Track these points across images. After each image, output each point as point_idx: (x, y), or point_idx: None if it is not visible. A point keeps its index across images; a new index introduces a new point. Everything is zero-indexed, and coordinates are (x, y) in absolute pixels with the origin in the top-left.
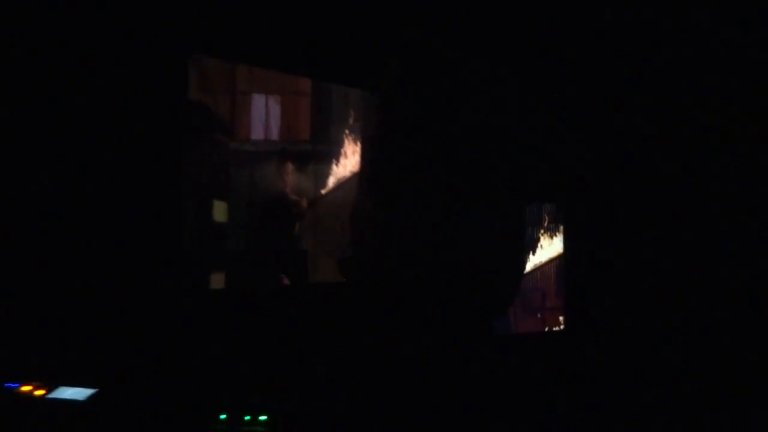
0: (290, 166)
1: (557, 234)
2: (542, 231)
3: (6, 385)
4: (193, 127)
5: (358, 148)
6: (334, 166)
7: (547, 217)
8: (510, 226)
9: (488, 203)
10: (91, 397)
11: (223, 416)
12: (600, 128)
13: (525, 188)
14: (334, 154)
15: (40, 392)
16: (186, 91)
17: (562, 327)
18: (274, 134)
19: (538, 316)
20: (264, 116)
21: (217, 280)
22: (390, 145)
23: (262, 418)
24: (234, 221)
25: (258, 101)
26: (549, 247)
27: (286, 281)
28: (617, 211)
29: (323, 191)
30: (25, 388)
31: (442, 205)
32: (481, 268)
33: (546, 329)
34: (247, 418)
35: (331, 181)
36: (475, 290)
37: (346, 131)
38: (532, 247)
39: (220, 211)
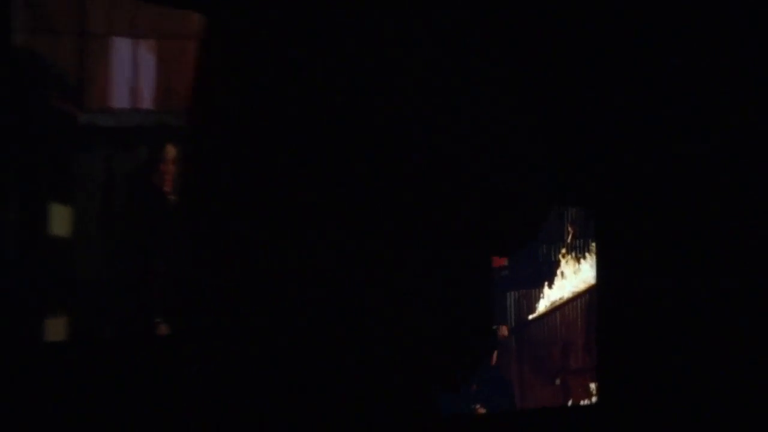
0: (172, 151)
1: (587, 255)
2: (563, 251)
3: None
4: (20, 88)
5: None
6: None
7: (570, 230)
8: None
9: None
10: None
11: None
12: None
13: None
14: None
15: None
16: (8, 32)
17: (593, 398)
18: (147, 101)
19: (557, 382)
20: (131, 73)
21: (56, 327)
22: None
23: None
24: (82, 235)
25: (121, 49)
26: (573, 277)
27: (164, 329)
28: (676, 223)
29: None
30: None
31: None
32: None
33: (568, 402)
34: None
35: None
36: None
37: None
38: (548, 276)
39: (59, 219)
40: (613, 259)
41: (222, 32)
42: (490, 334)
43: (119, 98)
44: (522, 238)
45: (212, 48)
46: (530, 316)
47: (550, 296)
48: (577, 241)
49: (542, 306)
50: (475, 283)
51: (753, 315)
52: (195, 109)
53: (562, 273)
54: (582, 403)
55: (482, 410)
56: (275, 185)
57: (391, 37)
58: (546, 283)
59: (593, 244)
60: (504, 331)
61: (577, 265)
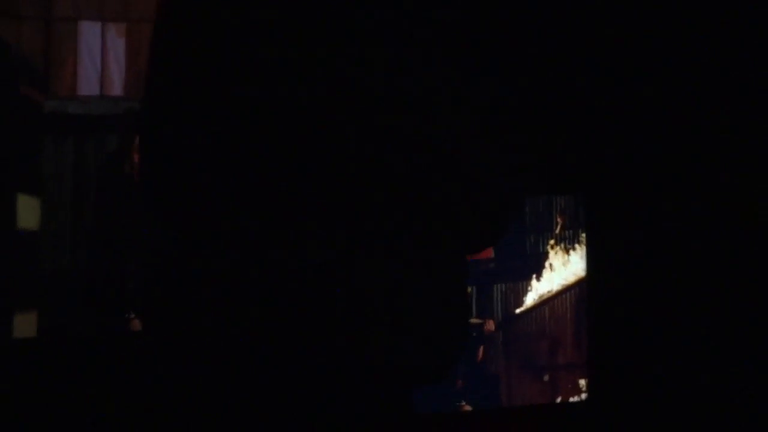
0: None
1: (577, 246)
2: (551, 242)
3: None
4: None
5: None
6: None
7: (559, 221)
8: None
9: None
10: None
11: None
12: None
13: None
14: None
15: None
16: None
17: (582, 395)
18: (117, 87)
19: (545, 378)
20: (100, 58)
21: (26, 324)
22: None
23: None
24: (51, 227)
25: (89, 33)
26: (563, 269)
27: (137, 324)
28: (674, 208)
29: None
30: None
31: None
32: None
33: (557, 398)
34: None
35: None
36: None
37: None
38: (536, 269)
39: (28, 211)
40: (604, 249)
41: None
42: (467, 326)
43: (87, 85)
44: (495, 231)
45: (165, 29)
46: (518, 310)
47: (538, 289)
48: (567, 232)
49: (530, 299)
50: (451, 274)
51: (751, 310)
52: (149, 93)
53: (551, 265)
54: (571, 399)
55: (468, 407)
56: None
57: (353, 25)
58: (534, 276)
59: (583, 235)
60: (490, 325)
61: (566, 256)
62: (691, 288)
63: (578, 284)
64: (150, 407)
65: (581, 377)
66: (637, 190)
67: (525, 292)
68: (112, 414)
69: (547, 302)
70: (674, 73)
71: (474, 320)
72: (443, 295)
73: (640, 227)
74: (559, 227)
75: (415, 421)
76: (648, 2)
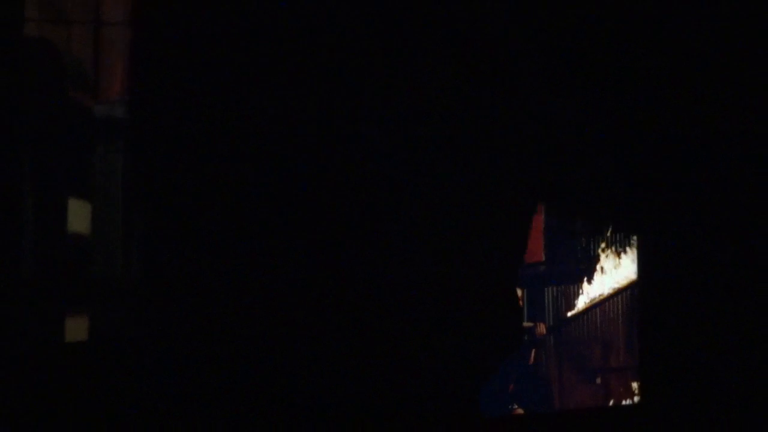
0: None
1: (628, 249)
2: (602, 245)
3: None
4: (34, 81)
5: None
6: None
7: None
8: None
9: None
10: None
11: None
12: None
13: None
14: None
15: None
16: (20, 23)
17: (634, 398)
18: None
19: (597, 381)
20: None
21: (77, 328)
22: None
23: None
24: (102, 231)
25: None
26: (614, 272)
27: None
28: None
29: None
30: None
31: None
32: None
33: (609, 401)
34: None
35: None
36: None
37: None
38: (588, 272)
39: (79, 215)
40: (656, 253)
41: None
42: (517, 326)
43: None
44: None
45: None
46: (569, 313)
47: (589, 292)
48: (617, 235)
49: (581, 303)
50: (502, 277)
51: None
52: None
53: (602, 268)
54: (623, 402)
55: (520, 410)
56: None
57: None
58: (585, 279)
59: (634, 238)
60: (542, 328)
61: (617, 259)
62: (742, 291)
63: (629, 287)
64: (198, 405)
65: (633, 380)
66: (686, 195)
67: (576, 295)
68: (161, 415)
69: (598, 305)
70: (721, 87)
71: (526, 324)
72: (498, 292)
73: (689, 231)
74: (610, 230)
75: (471, 424)
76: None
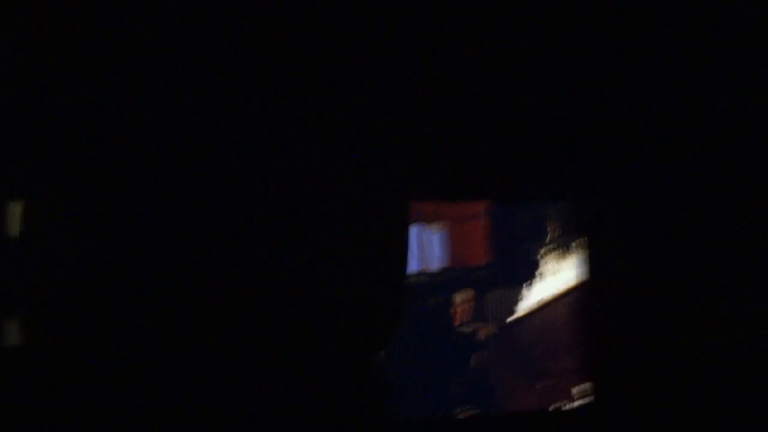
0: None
1: (568, 253)
2: (543, 250)
3: None
4: None
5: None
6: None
7: (549, 229)
8: None
9: None
10: None
11: None
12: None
13: None
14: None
15: None
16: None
17: (575, 402)
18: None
19: (537, 386)
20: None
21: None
22: None
23: None
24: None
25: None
26: (555, 275)
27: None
28: (662, 214)
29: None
30: None
31: None
32: None
33: (550, 405)
34: None
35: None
36: None
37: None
38: (529, 276)
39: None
40: (603, 255)
41: None
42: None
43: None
44: None
45: None
46: (510, 318)
47: (530, 297)
48: (558, 239)
49: (523, 307)
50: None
51: (751, 310)
52: None
53: (541, 273)
54: (564, 406)
55: (463, 414)
56: None
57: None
58: (527, 283)
59: (574, 243)
60: (484, 332)
61: (558, 264)
62: (690, 289)
63: (569, 292)
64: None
65: (574, 384)
66: (635, 193)
67: (518, 300)
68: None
69: (539, 310)
70: (672, 77)
71: (466, 329)
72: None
73: (637, 232)
74: (549, 236)
75: (409, 428)
76: None
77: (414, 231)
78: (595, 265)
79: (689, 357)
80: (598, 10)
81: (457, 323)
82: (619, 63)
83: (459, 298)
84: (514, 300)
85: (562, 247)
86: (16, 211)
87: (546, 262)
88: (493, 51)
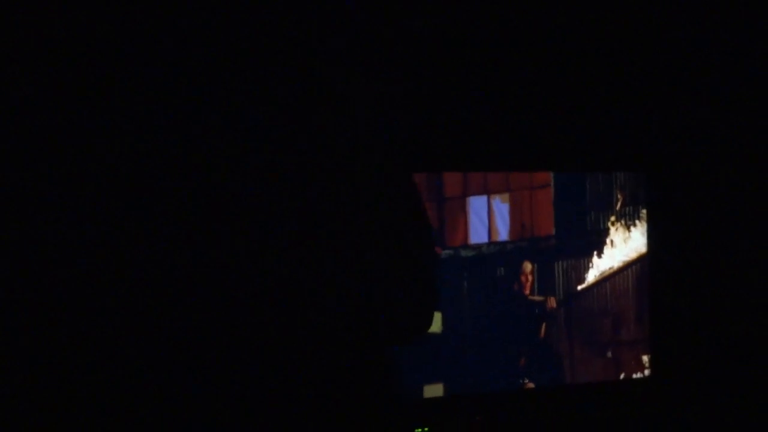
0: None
1: (637, 223)
2: (612, 219)
3: None
4: None
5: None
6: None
7: (619, 197)
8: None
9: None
10: None
11: None
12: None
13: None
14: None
15: None
16: None
17: (645, 371)
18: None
19: (608, 354)
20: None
21: None
22: None
23: None
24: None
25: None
26: (624, 245)
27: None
28: (733, 187)
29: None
30: None
31: None
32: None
33: (620, 375)
34: None
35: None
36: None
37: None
38: (597, 245)
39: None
40: (665, 225)
41: None
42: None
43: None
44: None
45: None
46: (579, 287)
47: (599, 266)
48: (627, 208)
49: (591, 276)
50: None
51: None
52: None
53: (612, 241)
54: (634, 376)
55: (531, 385)
56: None
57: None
58: (595, 253)
59: (644, 211)
60: (552, 302)
61: (627, 233)
62: (751, 263)
63: (639, 260)
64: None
65: (644, 353)
66: (696, 166)
67: (586, 269)
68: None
69: (608, 279)
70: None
71: (536, 298)
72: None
73: (699, 203)
74: (619, 204)
75: (480, 400)
76: None
77: (483, 201)
78: (653, 237)
79: (747, 330)
80: None
81: (527, 292)
82: (696, 34)
83: (528, 267)
84: (583, 269)
85: (630, 217)
86: None
87: (613, 232)
88: (556, 23)
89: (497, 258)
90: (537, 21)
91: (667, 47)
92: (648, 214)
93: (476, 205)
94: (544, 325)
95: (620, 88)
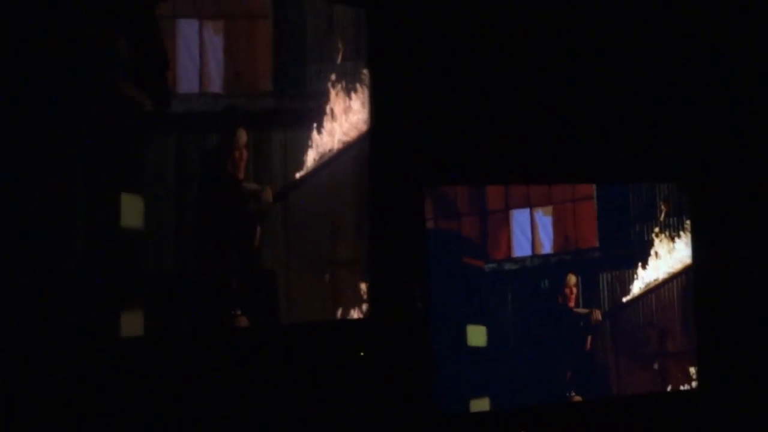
0: (243, 135)
1: (681, 234)
2: (656, 230)
3: None
4: (84, 76)
5: (351, 104)
6: (314, 133)
7: (663, 208)
8: None
9: None
10: None
11: None
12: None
13: None
14: (313, 112)
15: None
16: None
17: (693, 384)
18: (215, 83)
19: (655, 366)
20: (198, 56)
21: (132, 323)
22: None
23: None
24: (156, 227)
25: (187, 30)
26: (669, 256)
27: (243, 320)
28: None
29: (298, 174)
30: None
31: None
32: None
33: (667, 387)
34: None
35: (311, 157)
36: None
37: (332, 75)
38: (642, 257)
39: (132, 210)
40: (709, 236)
41: None
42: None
43: (187, 82)
44: None
45: None
46: (624, 299)
47: (644, 277)
48: (671, 219)
49: (637, 288)
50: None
51: None
52: None
53: (656, 253)
54: (681, 388)
55: (578, 398)
56: None
57: None
58: (639, 264)
59: (688, 222)
60: (597, 315)
61: (671, 244)
62: None
63: (684, 272)
64: (256, 400)
65: (691, 365)
66: (743, 177)
67: (631, 280)
68: (215, 410)
69: (653, 290)
70: None
71: (581, 310)
72: None
73: (743, 214)
74: (663, 214)
75: (527, 413)
76: None
77: (525, 214)
78: (698, 248)
79: None
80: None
81: (571, 304)
82: (740, 53)
83: (572, 279)
84: (627, 281)
85: (674, 228)
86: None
87: (658, 243)
88: (603, 41)
89: (541, 271)
90: (585, 40)
91: (714, 64)
92: (692, 224)
93: (519, 218)
94: (589, 337)
95: (663, 101)
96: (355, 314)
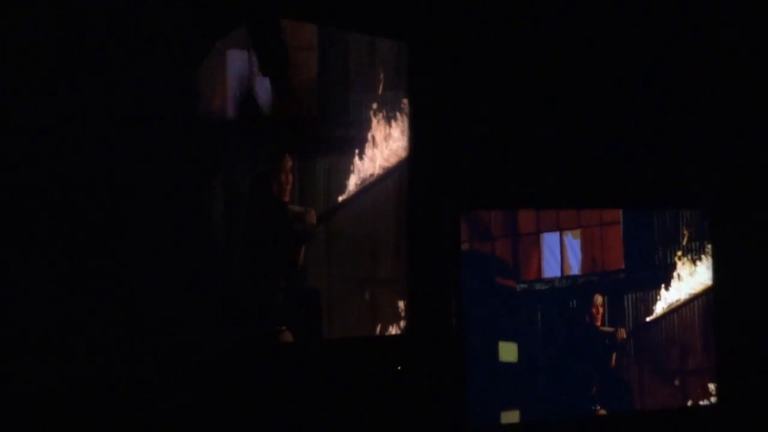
0: (288, 160)
1: (702, 257)
2: (679, 253)
3: None
4: None
5: (391, 132)
6: (356, 159)
7: (685, 233)
8: None
9: None
10: None
11: None
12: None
13: None
14: (356, 139)
15: None
16: None
17: (712, 399)
18: (263, 109)
19: (676, 382)
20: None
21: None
22: None
23: None
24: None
25: (236, 60)
26: (690, 278)
27: (288, 336)
28: None
29: (341, 197)
30: None
31: None
32: None
33: (688, 402)
34: None
35: (353, 182)
36: None
37: (374, 104)
38: (665, 279)
39: None
40: (729, 259)
41: None
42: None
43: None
44: None
45: None
46: (648, 318)
47: (667, 298)
48: (693, 243)
49: (659, 308)
50: None
51: None
52: None
53: (679, 275)
54: (701, 403)
55: (603, 411)
56: None
57: None
58: (663, 286)
59: (708, 246)
60: (622, 333)
61: (693, 267)
62: None
63: (705, 293)
64: (298, 414)
65: (711, 381)
66: (759, 202)
67: (655, 301)
68: (260, 421)
69: (675, 310)
70: None
71: (606, 329)
72: None
73: (762, 238)
74: (685, 239)
75: (555, 426)
76: None
77: (555, 237)
78: (718, 271)
79: None
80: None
81: (598, 323)
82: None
83: (599, 299)
84: (651, 301)
85: (696, 252)
86: None
87: (680, 266)
88: (630, 68)
89: (569, 291)
90: (616, 72)
91: (735, 91)
92: (713, 249)
93: (549, 241)
94: (614, 354)
95: (686, 131)
96: (393, 330)
